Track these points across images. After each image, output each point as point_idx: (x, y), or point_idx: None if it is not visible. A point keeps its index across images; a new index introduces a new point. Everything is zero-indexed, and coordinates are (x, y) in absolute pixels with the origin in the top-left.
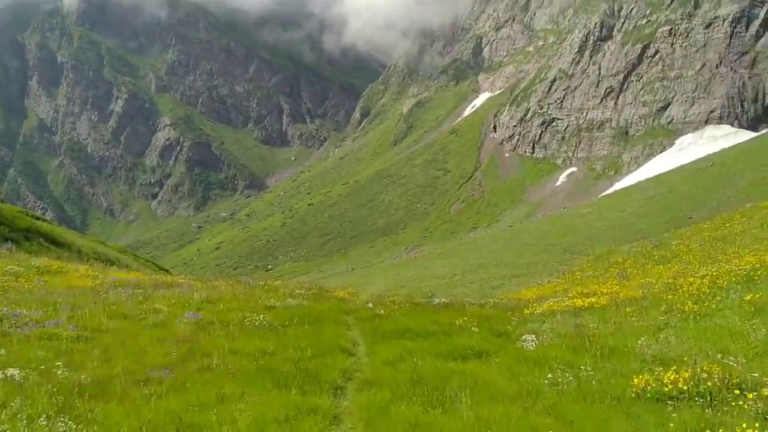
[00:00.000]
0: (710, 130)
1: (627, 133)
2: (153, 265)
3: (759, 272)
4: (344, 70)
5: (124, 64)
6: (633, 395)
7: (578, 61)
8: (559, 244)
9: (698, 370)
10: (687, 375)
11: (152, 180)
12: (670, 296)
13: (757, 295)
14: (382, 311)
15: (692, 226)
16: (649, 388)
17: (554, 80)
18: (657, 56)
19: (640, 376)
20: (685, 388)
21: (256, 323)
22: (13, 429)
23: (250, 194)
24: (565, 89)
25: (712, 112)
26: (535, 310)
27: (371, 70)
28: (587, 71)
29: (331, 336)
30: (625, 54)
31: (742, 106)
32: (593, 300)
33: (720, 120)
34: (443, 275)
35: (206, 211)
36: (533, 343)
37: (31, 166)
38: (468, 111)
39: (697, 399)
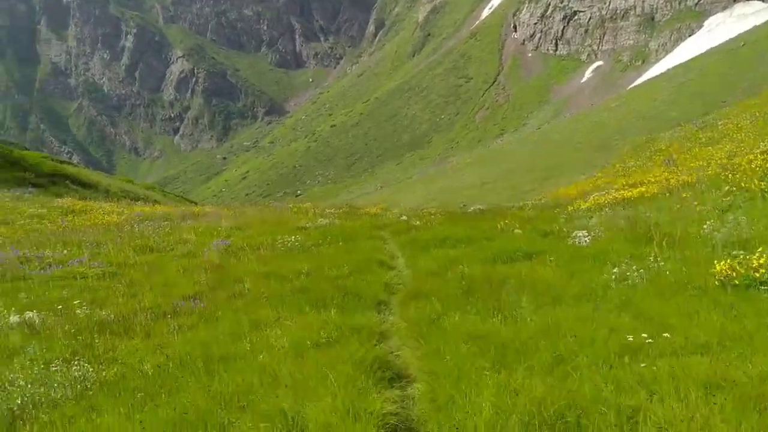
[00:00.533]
0: (740, 8)
1: (653, 19)
2: (182, 199)
3: None
4: None
5: None
6: (717, 284)
7: None
8: (589, 141)
9: None
10: None
11: (172, 115)
12: (730, 176)
13: None
14: (418, 222)
15: (738, 103)
16: (735, 274)
17: None
18: None
19: (723, 262)
20: None
21: (289, 245)
22: (25, 377)
23: (270, 120)
24: None
25: None
26: (580, 206)
27: None
28: None
29: (367, 251)
30: None
31: None
32: (642, 189)
33: None
34: (473, 184)
35: (229, 142)
36: (586, 239)
37: (51, 111)
38: (486, 12)
39: None
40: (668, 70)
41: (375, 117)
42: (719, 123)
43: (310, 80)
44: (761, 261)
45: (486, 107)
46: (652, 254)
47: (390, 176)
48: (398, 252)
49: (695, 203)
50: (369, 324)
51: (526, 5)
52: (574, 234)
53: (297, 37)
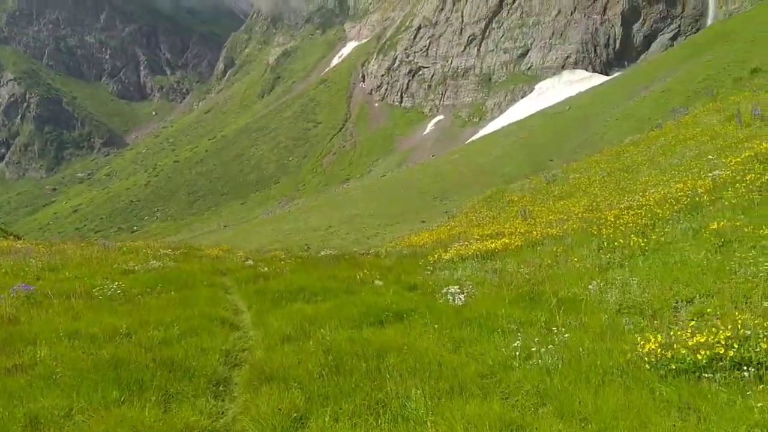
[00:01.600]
0: (567, 75)
1: (490, 79)
2: (2, 231)
3: (703, 198)
4: (204, 19)
5: None
6: (648, 368)
7: (441, 8)
8: (431, 191)
9: (738, 325)
10: (724, 335)
11: None
12: (598, 230)
13: (722, 223)
14: (266, 269)
15: (583, 159)
16: (671, 356)
17: (419, 28)
18: (516, 3)
19: (651, 340)
20: (725, 353)
21: (109, 293)
22: None
23: (108, 152)
24: (430, 37)
25: (568, 57)
26: (441, 256)
27: (234, 18)
28: (450, 19)
29: (205, 303)
30: (486, 1)
31: (595, 51)
32: (506, 241)
33: (576, 65)
34: (318, 227)
35: (61, 172)
36: (461, 297)
37: None
38: (336, 60)
39: (745, 368)
40: (503, 127)
41: (221, 155)
42: (570, 177)
43: (154, 113)
44: (698, 339)
45: (333, 152)
46: (544, 319)
47: (234, 216)
48: (244, 305)
49: (571, 259)
50: (201, 425)
51: (375, 57)
52: (444, 290)
53: (142, 68)
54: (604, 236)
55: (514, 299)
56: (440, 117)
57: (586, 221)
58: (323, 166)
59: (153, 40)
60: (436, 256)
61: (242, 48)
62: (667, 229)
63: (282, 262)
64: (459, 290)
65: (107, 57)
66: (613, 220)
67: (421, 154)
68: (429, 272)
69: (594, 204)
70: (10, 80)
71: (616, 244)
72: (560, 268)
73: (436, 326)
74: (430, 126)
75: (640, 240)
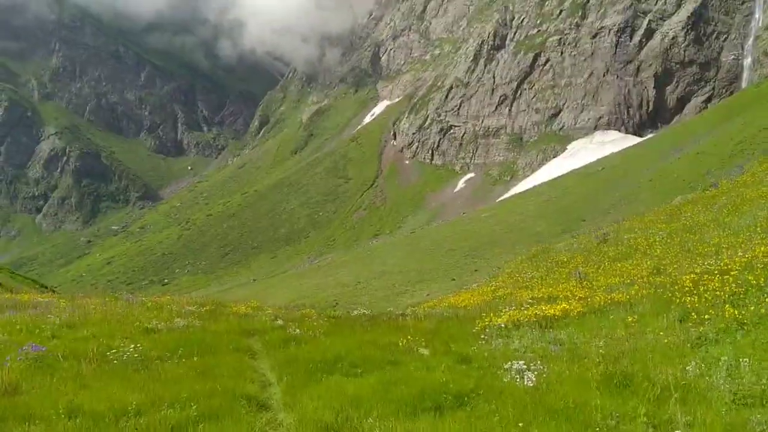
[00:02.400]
0: (599, 136)
1: (521, 139)
2: (33, 283)
3: None
4: (241, 77)
5: (4, 70)
6: None
7: (473, 70)
8: (460, 248)
9: None
10: None
11: (36, 193)
12: (683, 298)
13: None
14: (298, 330)
15: (633, 219)
16: None
17: (451, 88)
18: (548, 65)
19: None
20: None
21: (125, 356)
22: None
23: (143, 206)
24: (461, 97)
25: (600, 118)
26: (492, 321)
27: (269, 78)
28: (482, 79)
29: (229, 374)
30: (518, 63)
31: (628, 113)
32: (564, 306)
33: (608, 126)
34: (347, 283)
35: (96, 225)
36: (530, 375)
37: None
38: (368, 119)
39: None
40: (534, 186)
41: (253, 209)
42: (624, 237)
43: (190, 168)
44: None
45: (363, 208)
46: (644, 412)
47: (264, 269)
48: (273, 376)
49: (648, 331)
50: None
51: (406, 116)
52: (507, 365)
53: (179, 125)
54: (688, 304)
55: (596, 382)
56: (471, 175)
57: (656, 286)
58: (353, 222)
59: (191, 98)
60: (486, 321)
61: (277, 106)
62: (766, 299)
63: (314, 323)
64: (524, 366)
65: (146, 113)
66: (691, 286)
67: (452, 211)
68: (483, 341)
69: (660, 267)
70: (52, 135)
71: (706, 316)
72: (638, 341)
73: (508, 416)
74: (460, 184)
75: (735, 311)
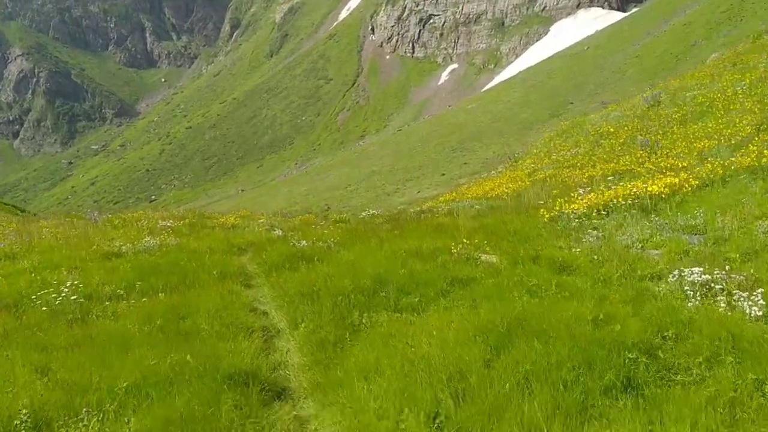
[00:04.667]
0: (582, 14)
1: (503, 24)
2: (12, 209)
3: None
4: None
5: None
6: None
7: None
8: (448, 142)
9: None
10: None
11: (11, 117)
12: None
13: None
14: (304, 242)
15: (684, 76)
16: None
17: None
18: None
19: None
20: None
21: (60, 298)
22: None
23: (121, 123)
24: None
25: None
26: (561, 209)
27: None
28: None
29: (209, 326)
30: None
31: None
32: (671, 180)
33: (591, 3)
34: (337, 186)
35: (75, 146)
36: (745, 298)
37: None
38: (344, 14)
39: None
40: (519, 73)
41: (233, 118)
42: (686, 95)
43: (163, 80)
44: None
45: (347, 109)
46: None
47: (251, 179)
48: (282, 317)
49: None
50: None
51: (383, 8)
52: (673, 276)
53: (148, 35)
54: None
55: None
56: (454, 66)
57: None
58: (338, 124)
59: (156, 5)
60: (553, 209)
61: (247, 7)
62: None
63: (322, 231)
64: (707, 277)
65: (112, 26)
66: None
67: (437, 105)
68: (567, 237)
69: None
70: (19, 56)
71: None
72: None
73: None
74: (444, 76)
75: None
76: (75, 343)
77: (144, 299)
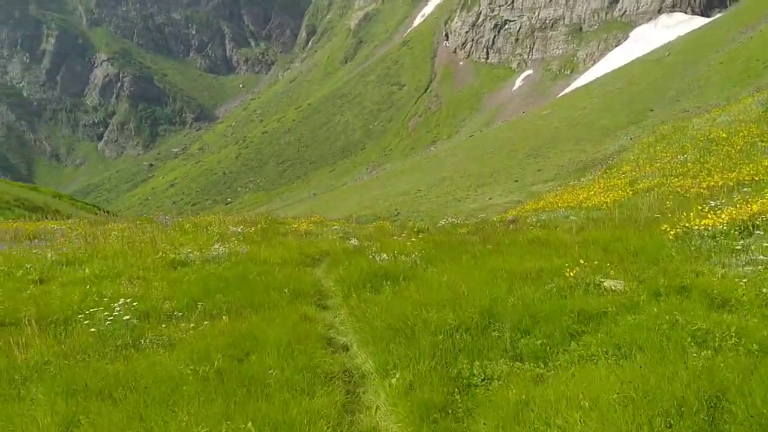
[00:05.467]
0: (664, 19)
1: (581, 29)
2: (94, 209)
3: None
4: None
5: None
6: None
7: None
8: (521, 148)
9: None
10: None
11: (96, 120)
12: None
13: None
14: (384, 255)
15: None
16: None
17: None
18: None
19: None
20: None
21: (113, 316)
22: None
23: (200, 127)
24: None
25: (664, 0)
26: (690, 224)
27: None
28: None
29: (280, 366)
30: None
31: None
32: None
33: (673, 8)
34: (407, 192)
35: (156, 148)
36: None
37: None
38: (418, 20)
39: None
40: (596, 78)
41: (308, 123)
42: None
43: (241, 86)
44: None
45: (419, 114)
46: None
47: (323, 183)
48: (368, 358)
49: None
50: None
51: (458, 14)
52: None
53: (227, 42)
54: None
55: None
56: (529, 71)
57: None
58: (409, 130)
59: (236, 13)
60: (679, 224)
61: (324, 14)
62: None
63: (403, 243)
64: None
65: (194, 32)
66: None
67: (511, 111)
68: (701, 259)
69: None
70: (104, 61)
71: None
72: None
73: None
74: (518, 81)
75: None
76: (115, 384)
77: (206, 322)
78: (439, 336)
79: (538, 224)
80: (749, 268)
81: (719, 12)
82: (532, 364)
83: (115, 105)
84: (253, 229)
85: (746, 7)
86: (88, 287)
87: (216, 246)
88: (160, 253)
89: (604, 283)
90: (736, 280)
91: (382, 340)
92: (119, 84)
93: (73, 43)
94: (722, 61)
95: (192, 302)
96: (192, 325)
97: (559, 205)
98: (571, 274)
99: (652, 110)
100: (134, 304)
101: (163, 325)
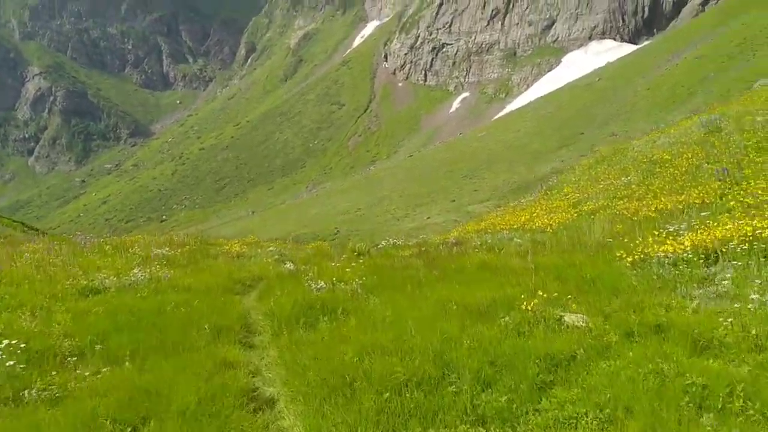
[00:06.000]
0: (594, 46)
1: (515, 54)
2: (21, 226)
3: None
4: (224, 3)
5: None
6: None
7: None
8: (458, 169)
9: None
10: None
11: (26, 135)
12: None
13: None
14: (322, 283)
15: (730, 103)
16: None
17: (441, 4)
18: None
19: None
20: None
21: None
22: None
23: (135, 143)
24: (452, 13)
25: (595, 27)
26: (647, 250)
27: (253, 3)
28: None
29: (191, 417)
30: None
31: (623, 20)
32: None
33: (603, 35)
34: (347, 210)
35: (89, 164)
36: None
37: None
38: (358, 41)
39: None
40: (530, 102)
41: (246, 141)
42: (757, 120)
43: (179, 102)
44: None
45: (358, 134)
46: None
47: (262, 201)
48: (295, 422)
49: None
50: None
51: (397, 36)
52: None
53: (164, 57)
54: None
55: None
56: (466, 94)
57: None
58: (349, 149)
59: (174, 29)
60: (636, 249)
61: (263, 33)
62: None
63: (342, 268)
64: None
65: (130, 47)
66: None
67: (448, 132)
68: (669, 290)
69: None
70: (36, 75)
71: None
72: None
73: None
74: (455, 104)
75: None
76: None
77: (105, 369)
78: (385, 394)
79: (483, 247)
80: (723, 301)
81: (647, 39)
82: (498, 431)
83: (47, 119)
84: (180, 251)
85: (672, 36)
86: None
87: (136, 270)
88: (71, 279)
89: (566, 318)
90: (714, 316)
91: (316, 398)
92: (52, 98)
93: (5, 56)
94: (649, 86)
95: (96, 339)
96: (87, 373)
97: (502, 226)
98: (529, 307)
99: (582, 134)
100: (25, 344)
101: (54, 373)
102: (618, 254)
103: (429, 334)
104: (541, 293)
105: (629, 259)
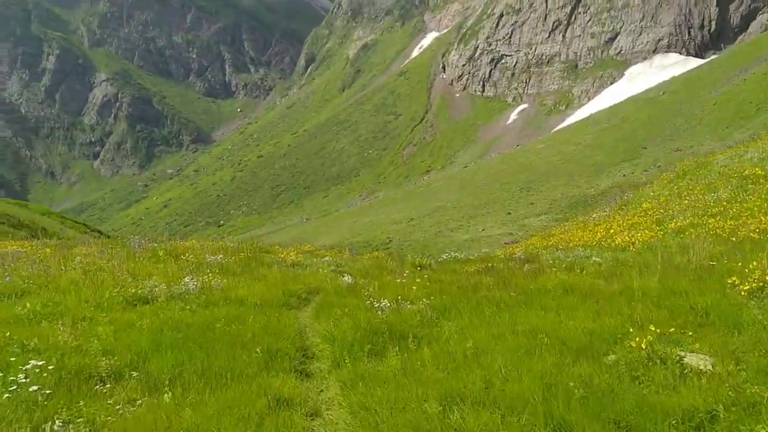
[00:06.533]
0: (659, 59)
1: (576, 66)
2: (84, 227)
3: None
4: (286, 15)
5: (53, 18)
6: None
7: None
8: (515, 181)
9: None
10: None
11: (93, 139)
12: None
13: None
14: (385, 302)
15: None
16: None
17: (501, 15)
18: None
19: None
20: None
21: (5, 395)
22: None
23: (196, 149)
24: (512, 24)
25: (660, 40)
26: (766, 277)
27: (314, 14)
28: (534, 5)
29: None
30: None
31: (689, 34)
32: None
33: (668, 48)
34: (400, 220)
35: (152, 169)
36: None
37: None
38: (416, 52)
39: None
40: (591, 115)
41: (303, 149)
42: None
43: (239, 110)
44: None
45: (414, 144)
46: None
47: (316, 208)
48: None
49: None
50: None
51: (455, 47)
52: None
53: (227, 67)
54: None
55: None
56: (524, 106)
57: None
58: (403, 158)
59: (237, 38)
60: (752, 275)
61: (323, 43)
62: None
63: (404, 286)
64: None
65: (194, 56)
66: None
67: (505, 144)
68: None
69: None
70: (104, 81)
71: None
72: None
73: None
74: (513, 115)
75: None
76: None
77: (141, 400)
78: None
79: (561, 265)
80: None
81: (714, 54)
82: None
83: (113, 125)
84: (234, 258)
85: (740, 50)
86: (8, 333)
87: (187, 279)
88: (119, 287)
89: (686, 360)
90: None
91: None
92: (118, 104)
93: (74, 62)
94: (716, 101)
95: (137, 359)
96: (120, 405)
97: (574, 243)
98: (641, 344)
99: (645, 148)
100: (58, 361)
101: (82, 402)
102: (730, 281)
103: (524, 375)
104: (652, 327)
105: (746, 287)
